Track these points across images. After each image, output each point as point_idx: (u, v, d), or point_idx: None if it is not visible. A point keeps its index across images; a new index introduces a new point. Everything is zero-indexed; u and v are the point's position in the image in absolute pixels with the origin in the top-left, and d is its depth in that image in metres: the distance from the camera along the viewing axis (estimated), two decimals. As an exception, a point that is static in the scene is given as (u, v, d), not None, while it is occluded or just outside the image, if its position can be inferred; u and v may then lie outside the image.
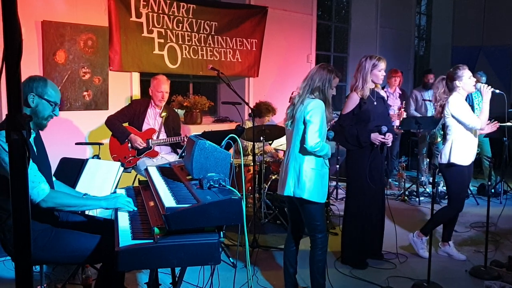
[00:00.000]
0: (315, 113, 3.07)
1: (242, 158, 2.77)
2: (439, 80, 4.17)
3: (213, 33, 6.21)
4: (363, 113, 3.80)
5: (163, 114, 4.74)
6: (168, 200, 2.24)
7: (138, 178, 3.90)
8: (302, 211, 3.21)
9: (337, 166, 6.54)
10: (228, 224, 2.20)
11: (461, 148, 3.98)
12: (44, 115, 2.49)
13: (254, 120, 5.49)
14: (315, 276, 3.23)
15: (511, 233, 5.02)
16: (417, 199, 6.29)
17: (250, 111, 4.41)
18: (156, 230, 2.11)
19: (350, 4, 9.32)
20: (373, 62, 3.78)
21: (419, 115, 6.89)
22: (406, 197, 6.38)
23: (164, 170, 3.00)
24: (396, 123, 6.85)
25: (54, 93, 2.52)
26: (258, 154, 5.47)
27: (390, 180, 7.20)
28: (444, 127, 4.12)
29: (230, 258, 3.97)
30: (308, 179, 3.10)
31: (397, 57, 9.78)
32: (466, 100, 6.32)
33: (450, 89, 4.02)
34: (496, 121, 4.24)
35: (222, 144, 2.68)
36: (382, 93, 4.01)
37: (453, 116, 3.96)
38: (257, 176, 5.17)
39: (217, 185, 2.40)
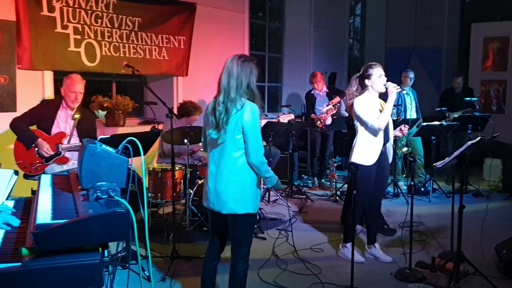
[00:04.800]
0: (256, 121, 2.75)
1: (143, 163, 2.49)
2: (354, 77, 4.09)
3: (136, 29, 5.86)
4: None
5: (76, 116, 4.36)
6: (42, 215, 1.93)
7: (31, 188, 3.49)
8: (236, 223, 2.87)
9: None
10: (112, 241, 1.91)
11: (363, 148, 3.92)
12: None
13: (179, 120, 5.24)
14: None
15: (438, 231, 5.03)
16: (349, 199, 6.26)
17: (168, 112, 4.10)
18: (24, 251, 1.79)
19: (284, 3, 9.22)
20: None
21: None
22: (337, 197, 6.31)
23: (58, 179, 2.67)
24: (328, 121, 6.82)
25: None
26: (183, 156, 5.20)
27: (323, 180, 7.15)
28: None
29: (145, 271, 3.68)
30: (251, 192, 2.83)
31: (332, 58, 9.80)
32: (398, 99, 6.36)
33: (363, 87, 3.95)
34: (406, 125, 4.26)
35: (119, 148, 2.40)
36: None
37: (356, 116, 3.91)
38: (181, 181, 4.91)
39: (105, 196, 2.11)
